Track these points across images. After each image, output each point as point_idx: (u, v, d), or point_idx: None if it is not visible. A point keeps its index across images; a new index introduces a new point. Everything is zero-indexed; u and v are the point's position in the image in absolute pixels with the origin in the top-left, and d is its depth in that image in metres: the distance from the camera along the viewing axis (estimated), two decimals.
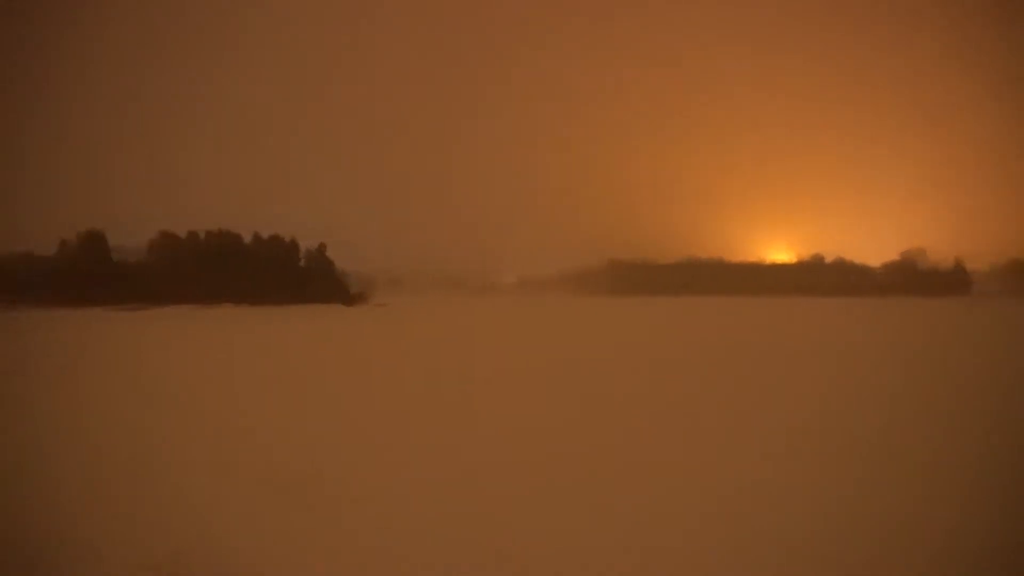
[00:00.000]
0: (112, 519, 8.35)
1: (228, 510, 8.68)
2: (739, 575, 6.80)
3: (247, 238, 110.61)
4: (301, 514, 8.53)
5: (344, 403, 16.84)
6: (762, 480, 9.93)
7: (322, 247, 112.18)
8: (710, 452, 11.63)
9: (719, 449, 11.84)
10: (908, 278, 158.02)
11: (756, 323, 56.10)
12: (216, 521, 8.29)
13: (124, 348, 34.17)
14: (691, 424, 14.07)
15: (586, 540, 7.67)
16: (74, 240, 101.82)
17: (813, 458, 11.19)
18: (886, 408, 15.81)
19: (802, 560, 7.09)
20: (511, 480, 9.93)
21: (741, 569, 6.92)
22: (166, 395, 18.19)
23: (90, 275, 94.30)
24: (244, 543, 7.61)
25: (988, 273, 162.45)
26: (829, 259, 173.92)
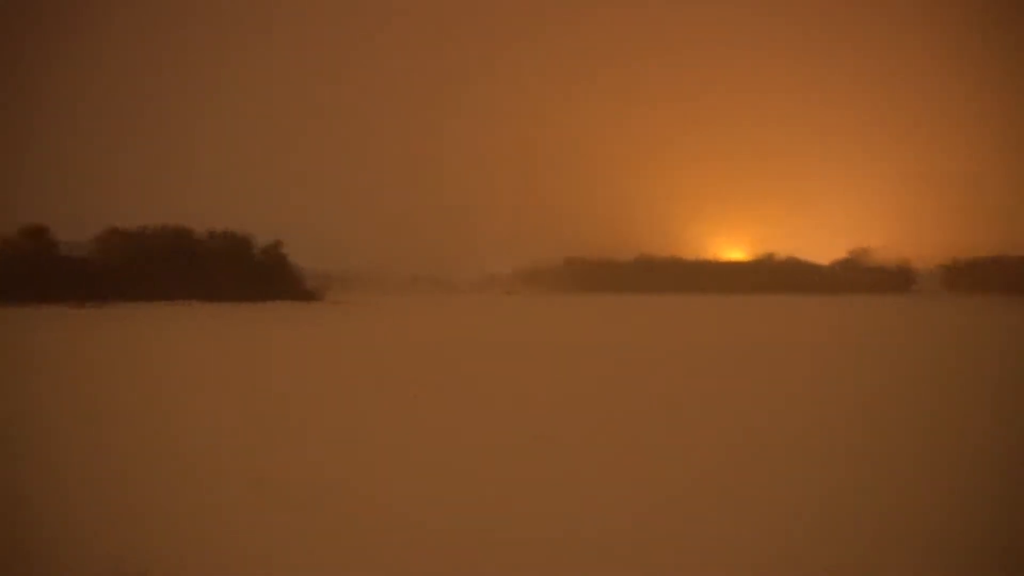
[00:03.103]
0: (68, 524, 8.20)
1: (184, 511, 8.57)
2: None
3: (199, 233, 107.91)
4: (257, 515, 8.40)
5: (299, 402, 16.69)
6: (717, 477, 10.25)
7: (278, 243, 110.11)
8: (666, 448, 11.92)
9: (675, 446, 12.14)
10: (855, 276, 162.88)
11: (711, 320, 57.24)
12: (180, 522, 8.19)
13: (69, 347, 33.11)
14: (649, 420, 14.38)
15: (557, 546, 7.81)
16: (15, 234, 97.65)
17: (766, 452, 11.58)
18: (837, 400, 16.41)
19: (769, 560, 7.36)
20: (471, 480, 9.96)
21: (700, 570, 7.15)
22: (114, 394, 17.76)
23: (32, 271, 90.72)
24: (207, 545, 7.56)
25: (929, 271, 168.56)
26: (781, 257, 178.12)
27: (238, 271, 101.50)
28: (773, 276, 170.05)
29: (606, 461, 10.72)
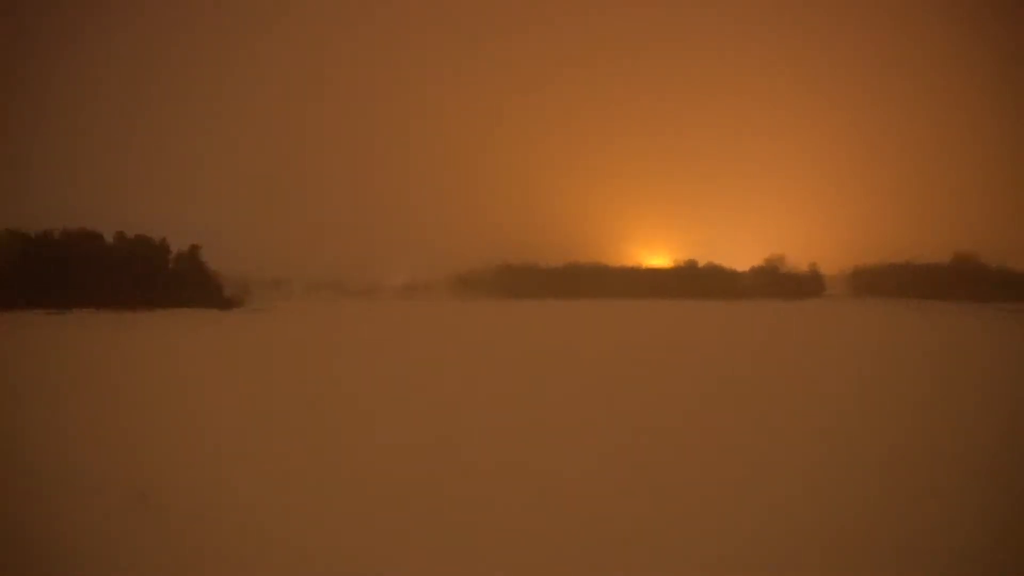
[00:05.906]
0: None
1: (79, 527, 8.10)
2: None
3: (109, 238, 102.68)
4: (155, 532, 8.07)
5: (215, 413, 16.06)
6: (638, 478, 10.39)
7: (194, 249, 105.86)
8: (590, 454, 12.03)
9: (598, 450, 12.27)
10: (770, 282, 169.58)
11: (636, 325, 58.42)
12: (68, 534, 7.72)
13: None
14: (577, 424, 14.49)
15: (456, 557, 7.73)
16: None
17: (682, 453, 11.82)
18: (753, 401, 16.95)
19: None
20: (386, 491, 9.83)
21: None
22: (17, 403, 16.60)
23: None
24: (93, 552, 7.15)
25: (837, 277, 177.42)
26: (702, 264, 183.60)
27: (151, 277, 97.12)
28: (695, 282, 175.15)
29: (527, 460, 10.68)
